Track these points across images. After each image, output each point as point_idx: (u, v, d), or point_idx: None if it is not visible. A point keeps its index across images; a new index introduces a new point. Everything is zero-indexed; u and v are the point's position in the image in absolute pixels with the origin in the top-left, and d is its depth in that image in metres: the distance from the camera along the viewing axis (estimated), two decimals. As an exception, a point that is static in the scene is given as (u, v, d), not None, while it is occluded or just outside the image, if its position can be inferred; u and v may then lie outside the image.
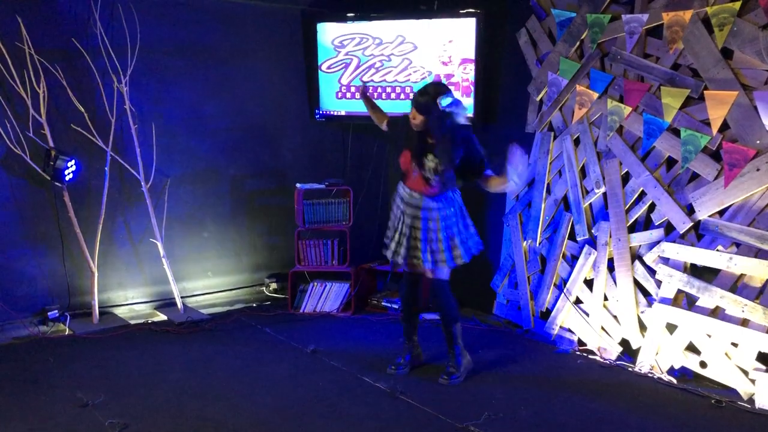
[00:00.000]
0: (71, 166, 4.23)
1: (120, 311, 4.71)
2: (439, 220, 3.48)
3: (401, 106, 4.99)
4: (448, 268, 3.55)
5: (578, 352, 4.08)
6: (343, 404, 3.31)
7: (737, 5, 3.33)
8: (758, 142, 3.31)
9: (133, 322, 4.55)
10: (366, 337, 4.36)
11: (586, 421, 3.15)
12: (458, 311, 3.64)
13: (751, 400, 3.33)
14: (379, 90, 5.06)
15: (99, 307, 4.50)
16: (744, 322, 3.37)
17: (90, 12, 4.35)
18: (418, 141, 3.45)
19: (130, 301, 4.79)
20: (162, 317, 4.69)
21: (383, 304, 4.98)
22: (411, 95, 3.45)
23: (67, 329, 4.33)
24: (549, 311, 4.33)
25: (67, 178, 4.24)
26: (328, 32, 5.09)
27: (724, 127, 3.45)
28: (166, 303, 4.85)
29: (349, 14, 5.04)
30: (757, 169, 3.31)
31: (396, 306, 4.90)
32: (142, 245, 4.77)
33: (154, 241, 4.67)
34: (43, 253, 4.41)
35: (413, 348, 3.82)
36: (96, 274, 4.46)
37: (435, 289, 3.60)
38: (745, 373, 3.37)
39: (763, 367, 3.31)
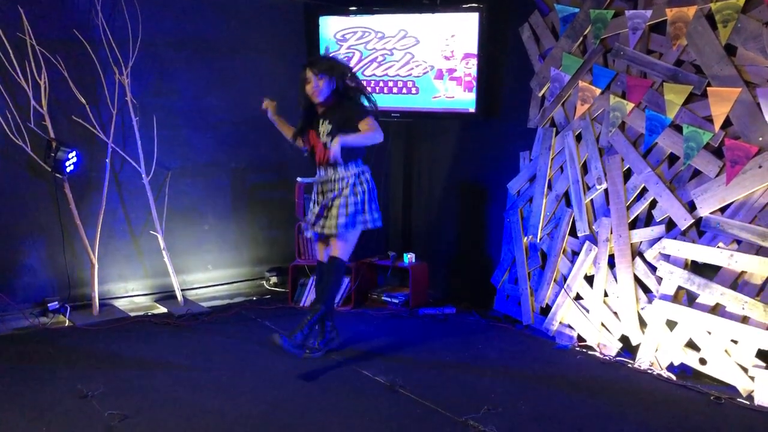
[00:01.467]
0: (72, 157, 4.23)
1: (120, 303, 4.71)
2: (347, 187, 3.66)
3: (402, 101, 4.99)
4: (349, 229, 3.68)
5: (578, 348, 4.09)
6: (342, 398, 3.31)
7: (741, 2, 3.32)
8: (761, 139, 3.30)
9: (133, 314, 4.56)
10: (366, 331, 4.37)
11: (585, 416, 3.16)
12: (335, 300, 3.90)
13: (750, 397, 3.33)
14: (381, 84, 5.05)
15: (99, 299, 4.50)
16: (744, 320, 3.37)
17: (92, 3, 4.34)
18: (312, 115, 3.75)
19: (130, 294, 4.79)
20: (162, 310, 4.69)
21: (383, 298, 4.98)
22: (308, 67, 3.65)
23: (68, 321, 4.34)
24: (549, 307, 4.33)
25: (68, 170, 4.24)
26: (330, 26, 5.08)
27: (727, 123, 3.44)
28: (166, 296, 4.85)
29: (351, 8, 5.03)
30: (759, 167, 3.30)
31: (396, 300, 4.90)
32: (143, 237, 4.77)
33: (155, 233, 4.67)
34: (43, 244, 4.42)
35: (326, 334, 3.89)
36: (96, 266, 4.46)
37: (331, 265, 3.73)
38: (745, 370, 3.37)
39: (763, 364, 3.31)
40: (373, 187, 3.78)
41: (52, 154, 4.17)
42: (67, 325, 4.30)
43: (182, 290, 4.81)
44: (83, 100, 4.36)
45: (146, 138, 4.62)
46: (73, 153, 4.24)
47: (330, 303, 3.79)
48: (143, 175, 4.59)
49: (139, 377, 3.49)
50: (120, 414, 3.03)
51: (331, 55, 3.80)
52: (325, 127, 3.67)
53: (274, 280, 5.28)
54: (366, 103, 3.73)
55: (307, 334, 3.67)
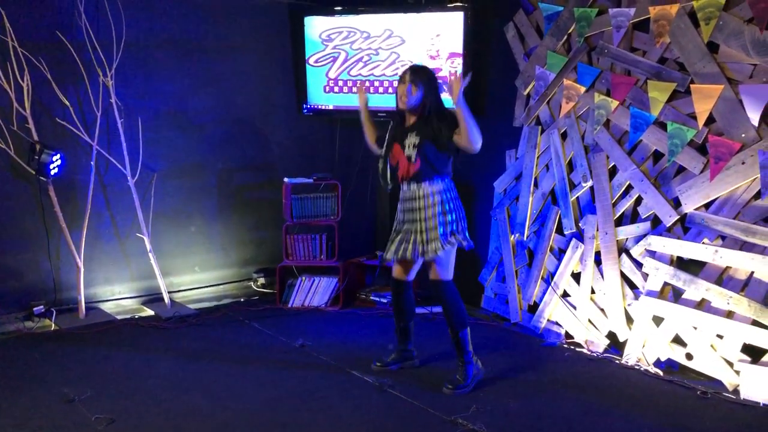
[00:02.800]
0: (56, 160, 4.20)
1: (106, 306, 4.68)
2: (436, 205, 3.36)
3: (388, 100, 4.98)
4: (453, 255, 3.43)
5: (566, 345, 4.11)
6: (331, 398, 3.31)
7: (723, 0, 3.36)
8: (743, 135, 3.33)
9: (119, 317, 4.53)
10: (354, 332, 4.36)
11: (574, 413, 3.17)
12: (467, 315, 3.46)
13: (736, 391, 3.36)
14: (367, 84, 5.05)
15: (85, 303, 4.47)
16: (729, 314, 3.40)
17: (75, 4, 4.31)
18: (400, 129, 3.50)
19: (117, 297, 4.76)
20: (149, 312, 4.66)
21: (372, 298, 4.98)
22: (403, 73, 3.43)
23: (53, 325, 4.30)
24: (536, 304, 4.35)
25: (52, 173, 4.20)
26: (315, 26, 5.07)
27: (710, 120, 3.47)
28: (153, 298, 4.83)
29: (336, 8, 5.02)
30: (742, 163, 3.33)
31: (384, 300, 4.90)
32: (129, 240, 4.74)
33: (141, 236, 4.65)
34: (28, 248, 4.38)
35: (402, 353, 3.74)
36: (82, 269, 4.43)
37: (438, 289, 3.43)
38: (730, 364, 3.40)
39: (748, 359, 3.34)
40: (460, 205, 3.47)
41: (36, 157, 4.14)
42: (53, 329, 4.27)
43: (169, 292, 4.79)
44: (67, 102, 4.32)
45: (131, 140, 4.60)
46: (58, 156, 4.20)
47: (463, 321, 3.42)
48: (129, 177, 4.56)
49: (127, 380, 3.47)
50: (107, 418, 3.01)
51: (426, 66, 3.52)
52: (411, 140, 3.39)
53: (261, 281, 5.26)
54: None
55: (467, 362, 3.43)
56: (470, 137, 3.26)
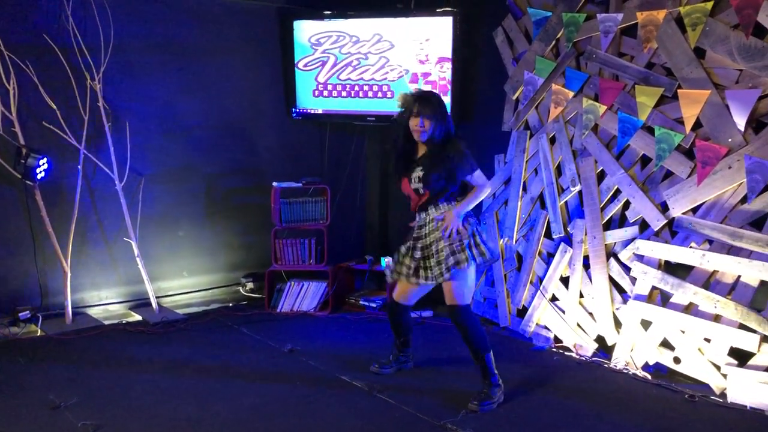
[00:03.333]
0: (43, 164, 4.16)
1: (94, 312, 4.64)
2: (442, 230, 3.30)
3: (377, 105, 4.99)
4: (473, 279, 3.36)
5: (554, 349, 4.11)
6: (320, 403, 3.29)
7: (709, 5, 3.38)
8: (730, 140, 3.36)
9: (107, 322, 4.49)
10: (344, 336, 4.35)
11: (563, 417, 3.18)
12: (487, 338, 3.36)
13: (723, 395, 3.38)
14: (356, 88, 5.05)
15: (72, 308, 4.43)
16: (716, 318, 3.42)
17: (62, 8, 4.28)
18: (406, 160, 3.42)
19: (104, 302, 4.72)
20: (137, 317, 4.63)
21: (361, 302, 4.97)
22: (412, 103, 3.32)
23: (39, 330, 4.26)
24: (525, 309, 4.35)
25: (38, 177, 4.16)
26: (304, 30, 5.07)
27: (697, 125, 3.50)
28: (140, 303, 4.79)
29: (325, 12, 5.02)
30: (729, 167, 3.35)
31: (374, 305, 4.90)
32: (116, 245, 4.71)
33: (129, 240, 4.62)
34: (14, 252, 4.34)
35: (400, 356, 3.75)
36: (69, 274, 4.39)
37: (455, 315, 3.33)
38: (718, 368, 3.42)
39: (735, 362, 3.35)
40: (476, 221, 3.42)
41: (23, 161, 4.10)
42: (39, 334, 4.23)
43: (157, 297, 4.76)
44: (54, 106, 4.29)
45: (119, 144, 4.57)
46: (44, 160, 4.17)
47: (486, 345, 3.32)
48: (116, 182, 4.53)
49: (114, 386, 3.44)
50: (93, 424, 2.99)
51: (436, 93, 3.44)
52: (417, 173, 3.33)
53: (250, 285, 5.24)
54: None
55: (494, 385, 3.32)
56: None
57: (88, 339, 4.15)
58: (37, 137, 4.30)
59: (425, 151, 3.37)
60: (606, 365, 3.84)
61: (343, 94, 5.09)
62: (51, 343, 4.08)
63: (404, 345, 3.75)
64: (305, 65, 5.13)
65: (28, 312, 4.31)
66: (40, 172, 4.16)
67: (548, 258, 4.24)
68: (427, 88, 4.79)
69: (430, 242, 3.33)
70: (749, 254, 3.31)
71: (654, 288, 3.68)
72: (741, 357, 3.35)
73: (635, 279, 3.75)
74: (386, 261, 5.00)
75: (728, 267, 3.37)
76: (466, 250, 3.27)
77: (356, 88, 5.05)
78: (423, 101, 3.31)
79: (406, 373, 3.68)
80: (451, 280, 3.28)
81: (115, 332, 4.31)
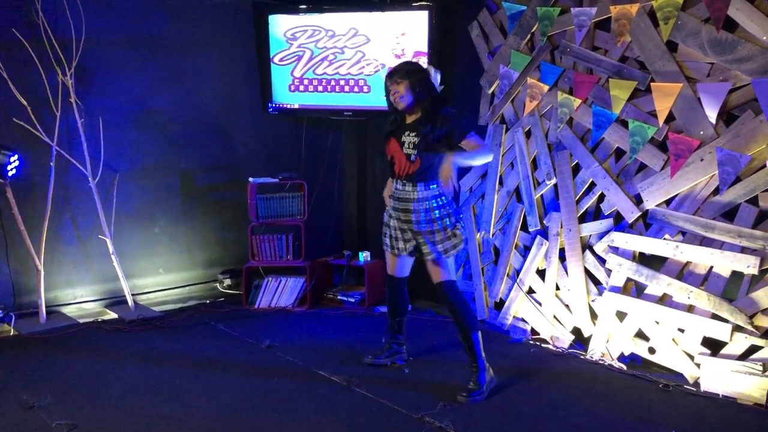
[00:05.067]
0: (14, 161, 4.09)
1: (68, 310, 4.58)
2: (434, 209, 3.33)
3: (353, 99, 4.98)
4: (453, 257, 3.41)
5: (531, 341, 4.14)
6: (298, 398, 3.29)
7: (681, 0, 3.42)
8: (702, 133, 3.40)
9: (82, 320, 4.43)
10: (322, 331, 4.35)
11: (540, 408, 3.20)
12: (476, 318, 3.42)
13: (696, 384, 3.43)
14: (333, 83, 5.03)
15: (46, 307, 4.37)
16: (690, 309, 3.47)
17: (32, 1, 4.20)
18: (398, 123, 3.43)
19: (79, 300, 4.66)
20: (112, 315, 4.58)
21: (339, 298, 4.96)
22: (389, 77, 3.36)
23: (12, 330, 4.20)
24: (503, 302, 4.38)
25: (9, 174, 4.09)
26: (280, 24, 5.04)
27: (670, 118, 3.54)
28: (116, 301, 4.74)
29: (301, 6, 4.99)
30: (701, 160, 3.40)
31: (352, 300, 4.89)
32: (91, 242, 4.65)
33: (103, 237, 4.56)
34: (-15, 251, 4.27)
35: (393, 346, 3.75)
36: (42, 273, 4.32)
37: (445, 293, 3.38)
38: (691, 357, 3.47)
39: (708, 352, 3.41)
40: (456, 209, 3.44)
41: (-7, 158, 4.03)
42: (12, 334, 4.17)
43: (133, 295, 4.71)
44: (24, 102, 4.21)
45: (92, 140, 4.51)
46: (15, 157, 4.10)
47: (474, 323, 3.37)
48: (90, 178, 4.47)
49: (89, 385, 3.40)
50: (69, 424, 2.95)
51: (411, 60, 3.48)
52: (411, 138, 3.33)
53: (227, 282, 5.20)
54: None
55: (480, 368, 3.34)
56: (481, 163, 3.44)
57: (62, 338, 4.10)
58: (8, 134, 4.23)
59: (415, 118, 3.39)
60: (582, 356, 3.88)
61: (320, 88, 5.07)
62: (24, 342, 4.03)
63: (397, 329, 3.72)
64: (281, 60, 5.10)
65: (0, 311, 4.25)
66: (11, 169, 4.09)
67: (525, 251, 4.27)
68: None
69: (416, 220, 3.35)
70: (721, 245, 3.36)
71: (629, 279, 3.72)
72: (713, 346, 3.40)
73: (610, 271, 3.79)
74: (364, 256, 5.00)
75: (701, 258, 3.42)
76: (459, 233, 3.36)
77: (332, 82, 5.03)
78: (394, 70, 3.39)
79: (384, 367, 3.69)
80: (437, 259, 3.35)
81: (91, 330, 4.26)
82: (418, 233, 3.38)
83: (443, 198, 3.36)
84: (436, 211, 3.34)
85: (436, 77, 3.43)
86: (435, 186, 3.34)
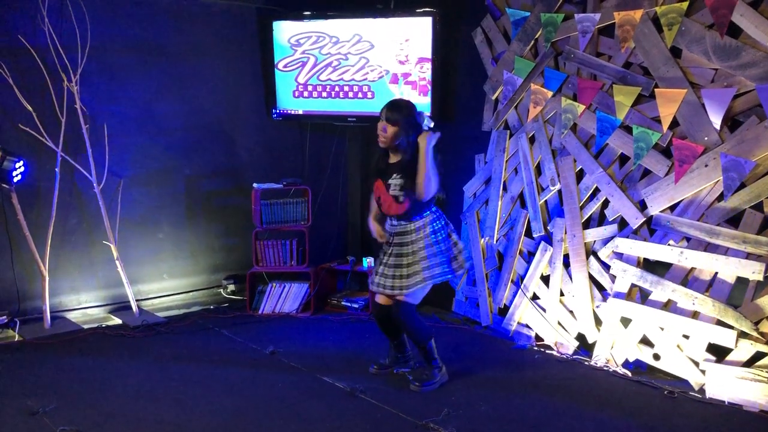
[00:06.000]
0: (19, 167, 4.11)
1: (73, 316, 4.59)
2: (428, 236, 3.39)
3: (357, 105, 4.99)
4: (433, 281, 3.42)
5: (536, 348, 4.14)
6: (302, 405, 3.28)
7: (685, 5, 3.42)
8: (706, 138, 3.40)
9: (86, 326, 4.44)
10: (326, 337, 4.34)
11: (544, 415, 3.19)
12: (429, 329, 3.56)
13: (702, 390, 3.42)
14: (337, 89, 5.04)
15: (50, 312, 4.37)
16: (695, 315, 3.46)
17: (38, 8, 4.23)
18: (383, 165, 3.44)
19: (83, 305, 4.67)
20: (117, 321, 4.59)
21: (343, 303, 4.96)
22: (385, 110, 3.36)
23: (17, 335, 4.21)
24: (507, 307, 4.37)
25: (15, 180, 4.11)
26: (284, 30, 5.06)
27: (674, 124, 3.54)
28: (120, 306, 4.75)
29: (305, 12, 5.01)
30: (706, 165, 3.39)
31: (356, 305, 4.89)
32: (95, 248, 4.66)
33: (108, 243, 4.57)
34: (-10, 257, 4.29)
35: (398, 357, 3.73)
36: (47, 278, 4.33)
37: (398, 310, 3.44)
38: (696, 364, 3.46)
39: (713, 358, 3.39)
40: (446, 237, 3.46)
41: (-2, 164, 4.05)
42: (16, 339, 4.17)
43: (137, 300, 4.72)
44: (30, 108, 4.23)
45: (97, 146, 4.52)
46: (21, 163, 4.11)
47: (428, 333, 3.50)
48: (94, 184, 4.48)
49: (94, 391, 3.41)
50: (73, 430, 2.95)
51: (408, 101, 3.48)
52: (397, 180, 3.35)
53: (231, 288, 5.21)
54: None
55: (435, 366, 3.51)
56: (425, 185, 3.26)
57: (66, 343, 4.11)
58: (14, 140, 4.25)
59: (398, 160, 3.39)
60: (587, 363, 3.86)
61: (324, 94, 5.08)
62: (29, 348, 4.03)
63: (400, 347, 3.71)
64: (285, 66, 5.11)
65: (5, 317, 4.26)
66: (17, 175, 4.11)
67: (529, 257, 4.27)
68: (407, 88, 4.81)
69: (413, 250, 3.39)
70: (726, 251, 3.35)
71: (633, 285, 3.72)
72: (719, 353, 3.39)
73: (615, 277, 3.78)
74: (368, 261, 5.00)
75: (705, 264, 3.41)
76: (459, 243, 3.48)
77: (336, 88, 5.04)
78: (390, 107, 3.37)
79: (389, 374, 3.68)
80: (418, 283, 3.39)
81: (95, 336, 4.26)
82: (418, 260, 3.38)
83: (439, 222, 3.44)
84: (438, 235, 3.42)
85: (428, 124, 3.39)
86: (428, 213, 3.41)
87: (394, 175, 3.37)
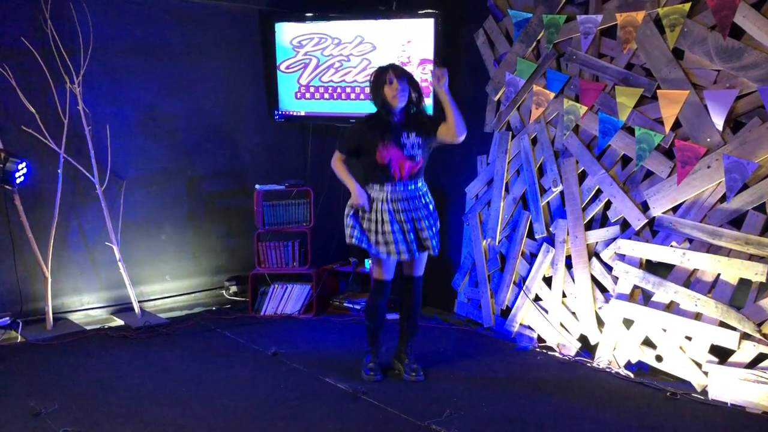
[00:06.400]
0: (22, 168, 4.12)
1: (75, 317, 4.60)
2: (429, 203, 3.54)
3: (359, 107, 4.98)
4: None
5: (538, 349, 4.13)
6: (305, 406, 3.28)
7: (687, 7, 3.42)
8: (708, 140, 3.39)
9: (88, 327, 4.45)
10: (328, 339, 4.34)
11: (547, 416, 3.19)
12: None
13: (704, 392, 3.41)
14: (339, 90, 5.04)
15: (53, 313, 4.38)
16: (697, 316, 3.45)
17: (40, 10, 4.24)
18: (382, 128, 3.41)
19: (86, 307, 4.68)
20: (119, 322, 4.60)
21: (345, 304, 4.96)
22: (392, 69, 3.41)
23: (20, 336, 4.22)
24: (509, 309, 4.37)
25: (18, 181, 4.12)
26: (286, 32, 5.06)
27: (677, 125, 3.53)
28: (123, 308, 4.76)
29: (307, 14, 5.02)
30: (708, 167, 3.39)
31: (358, 306, 4.89)
32: (98, 249, 4.67)
33: (110, 244, 4.58)
34: (-7, 258, 4.29)
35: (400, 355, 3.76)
36: (49, 280, 4.34)
37: (418, 285, 3.61)
38: (699, 365, 3.45)
39: (716, 360, 3.39)
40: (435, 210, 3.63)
41: (1, 166, 4.05)
42: (19, 340, 4.18)
43: (139, 302, 4.72)
44: (33, 110, 4.25)
45: (99, 147, 4.53)
46: (23, 164, 4.13)
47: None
48: (97, 186, 4.49)
49: (96, 392, 3.41)
50: (76, 430, 2.96)
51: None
52: (412, 139, 3.39)
53: (233, 289, 5.22)
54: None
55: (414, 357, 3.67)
56: (457, 125, 3.33)
57: (69, 344, 4.11)
58: (16, 141, 4.26)
59: (404, 119, 3.45)
60: (589, 364, 3.86)
61: (326, 96, 5.09)
62: (32, 349, 4.04)
63: (403, 336, 3.73)
64: (287, 67, 5.12)
65: (8, 318, 4.28)
66: (19, 176, 4.12)
67: (531, 258, 4.26)
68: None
69: (422, 216, 3.48)
70: (728, 252, 3.34)
71: (635, 287, 3.71)
72: (721, 354, 3.38)
73: (617, 278, 3.78)
74: (369, 263, 4.99)
75: (708, 265, 3.41)
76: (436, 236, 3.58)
77: (338, 90, 5.05)
78: (396, 68, 3.45)
79: (391, 375, 3.68)
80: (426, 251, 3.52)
81: (97, 337, 4.27)
82: (424, 227, 3.48)
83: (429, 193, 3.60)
84: (431, 205, 3.56)
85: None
86: (424, 180, 3.55)
87: (406, 134, 3.40)
